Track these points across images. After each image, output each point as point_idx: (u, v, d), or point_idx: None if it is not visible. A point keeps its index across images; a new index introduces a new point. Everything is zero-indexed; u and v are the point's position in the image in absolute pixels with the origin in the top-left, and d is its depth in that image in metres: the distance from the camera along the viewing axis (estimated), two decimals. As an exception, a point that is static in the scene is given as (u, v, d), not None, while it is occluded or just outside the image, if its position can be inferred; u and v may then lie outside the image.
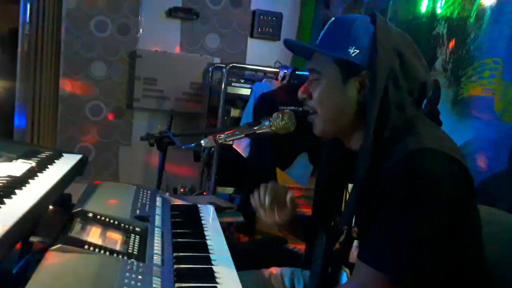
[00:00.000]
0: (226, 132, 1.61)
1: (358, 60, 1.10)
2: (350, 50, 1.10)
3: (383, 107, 1.06)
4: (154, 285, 0.99)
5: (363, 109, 1.10)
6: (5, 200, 1.13)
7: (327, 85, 1.15)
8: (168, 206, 1.57)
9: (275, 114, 1.51)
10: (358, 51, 1.09)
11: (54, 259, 1.00)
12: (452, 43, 2.03)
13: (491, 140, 1.74)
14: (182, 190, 3.83)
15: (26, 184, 1.28)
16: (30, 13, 3.51)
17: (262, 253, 1.61)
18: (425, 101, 2.17)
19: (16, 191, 1.21)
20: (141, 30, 3.78)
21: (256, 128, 1.56)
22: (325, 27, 1.18)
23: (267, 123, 1.51)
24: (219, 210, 1.79)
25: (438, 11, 2.15)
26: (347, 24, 1.14)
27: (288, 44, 1.25)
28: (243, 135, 1.60)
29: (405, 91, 1.09)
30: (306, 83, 1.20)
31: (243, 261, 1.38)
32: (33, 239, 1.21)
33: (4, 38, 5.01)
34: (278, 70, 3.21)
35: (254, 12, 3.96)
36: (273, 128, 1.51)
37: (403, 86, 1.08)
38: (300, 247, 2.16)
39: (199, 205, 1.66)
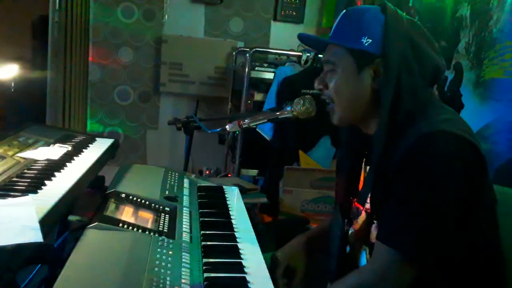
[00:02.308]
0: (250, 118, 1.67)
1: (372, 49, 1.13)
2: (363, 40, 1.13)
3: (397, 93, 1.10)
4: (183, 260, 1.07)
5: (377, 96, 1.14)
6: (46, 182, 1.23)
7: (342, 75, 1.18)
8: (195, 187, 1.64)
9: (296, 100, 1.56)
10: (370, 40, 1.13)
11: (92, 236, 1.09)
12: (475, 26, 2.03)
13: (511, 122, 1.75)
14: (207, 172, 3.93)
15: (64, 167, 1.38)
16: (60, 0, 3.60)
17: (285, 232, 1.67)
18: (447, 84, 2.19)
19: (55, 173, 1.30)
20: (166, 15, 3.84)
21: (278, 113, 1.63)
22: (337, 20, 1.21)
23: (288, 108, 1.56)
24: (243, 192, 1.85)
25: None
26: (358, 15, 1.18)
27: (302, 38, 1.29)
28: (266, 120, 1.66)
29: (418, 76, 1.12)
30: (322, 74, 1.24)
31: (267, 240, 1.45)
32: (71, 218, 1.31)
33: (35, 25, 5.14)
34: (301, 54, 3.22)
35: (277, -5, 3.95)
36: (295, 113, 1.57)
37: (415, 72, 1.12)
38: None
39: (224, 187, 1.71)
